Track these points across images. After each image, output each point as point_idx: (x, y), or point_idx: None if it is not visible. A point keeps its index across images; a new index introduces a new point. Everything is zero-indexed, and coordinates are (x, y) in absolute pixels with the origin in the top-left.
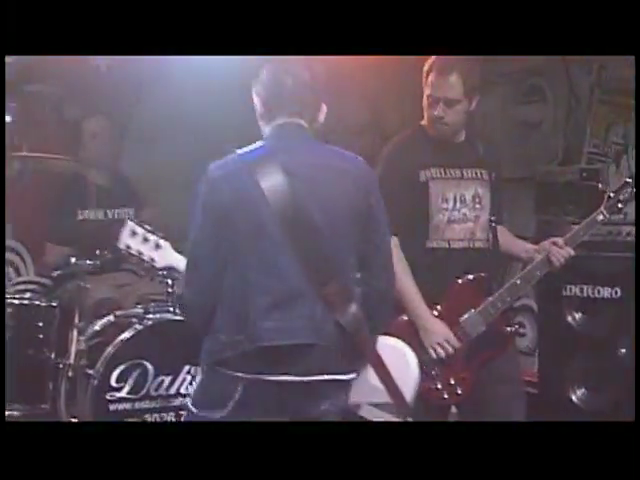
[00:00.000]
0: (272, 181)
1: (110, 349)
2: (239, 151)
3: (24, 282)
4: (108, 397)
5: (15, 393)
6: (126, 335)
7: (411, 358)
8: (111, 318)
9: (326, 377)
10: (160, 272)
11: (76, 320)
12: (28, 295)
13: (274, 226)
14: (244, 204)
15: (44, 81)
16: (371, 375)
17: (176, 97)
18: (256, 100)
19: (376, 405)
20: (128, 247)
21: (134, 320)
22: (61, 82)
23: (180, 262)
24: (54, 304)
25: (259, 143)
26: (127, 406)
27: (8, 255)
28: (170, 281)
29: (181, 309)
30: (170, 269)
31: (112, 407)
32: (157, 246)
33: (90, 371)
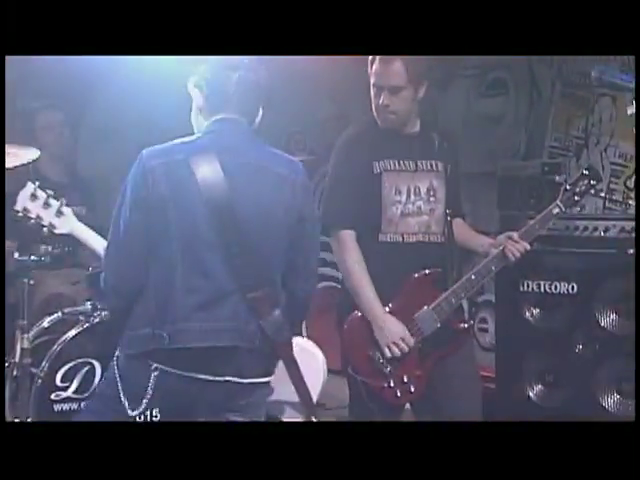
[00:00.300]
0: (209, 178)
1: (56, 347)
2: (176, 140)
3: None
4: (53, 397)
5: None
6: (72, 332)
7: (320, 359)
8: (59, 315)
9: (245, 380)
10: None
11: (20, 318)
12: None
13: (206, 224)
14: (179, 198)
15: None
16: (282, 374)
17: (128, 93)
18: (195, 93)
19: (284, 403)
20: (26, 210)
21: (81, 317)
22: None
23: (81, 232)
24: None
25: (197, 135)
26: (73, 405)
27: None
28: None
29: (103, 294)
30: (69, 236)
31: (57, 407)
32: (59, 212)
33: (34, 370)
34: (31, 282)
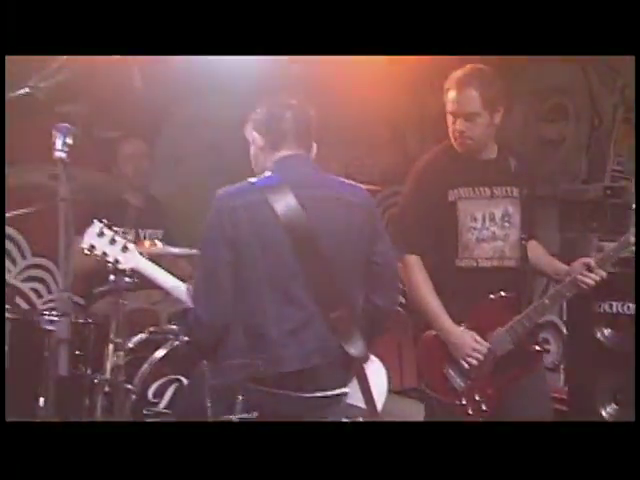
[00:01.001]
0: (288, 213)
1: (146, 366)
2: (251, 179)
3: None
4: (145, 411)
5: (54, 408)
6: (162, 351)
7: (384, 373)
8: (145, 335)
9: (328, 393)
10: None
11: (112, 336)
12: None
13: (289, 255)
14: (263, 235)
15: (75, 101)
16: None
17: (197, 120)
18: (254, 136)
19: (354, 408)
20: (92, 247)
21: (170, 336)
22: (91, 102)
23: (145, 266)
24: (90, 320)
25: (268, 173)
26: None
27: (38, 272)
28: None
29: (194, 329)
30: (134, 272)
31: (149, 421)
32: (124, 248)
33: (129, 386)
34: (125, 302)
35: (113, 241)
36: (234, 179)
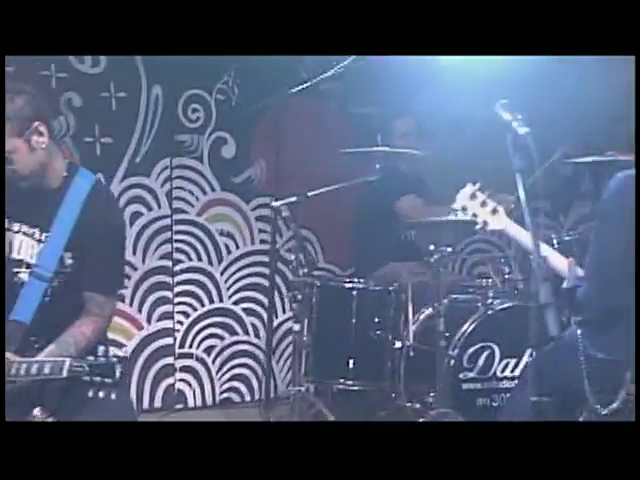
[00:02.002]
0: None
1: (465, 329)
2: None
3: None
4: (461, 376)
5: (358, 370)
6: (475, 319)
7: None
8: (445, 302)
9: None
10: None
11: (409, 304)
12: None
13: None
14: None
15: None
16: None
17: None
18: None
19: None
20: (464, 208)
21: (479, 305)
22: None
23: (513, 229)
24: (390, 289)
25: None
26: (477, 385)
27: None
28: (507, 269)
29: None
30: (501, 234)
31: (465, 386)
32: (494, 211)
33: (451, 352)
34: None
35: (484, 203)
36: None
